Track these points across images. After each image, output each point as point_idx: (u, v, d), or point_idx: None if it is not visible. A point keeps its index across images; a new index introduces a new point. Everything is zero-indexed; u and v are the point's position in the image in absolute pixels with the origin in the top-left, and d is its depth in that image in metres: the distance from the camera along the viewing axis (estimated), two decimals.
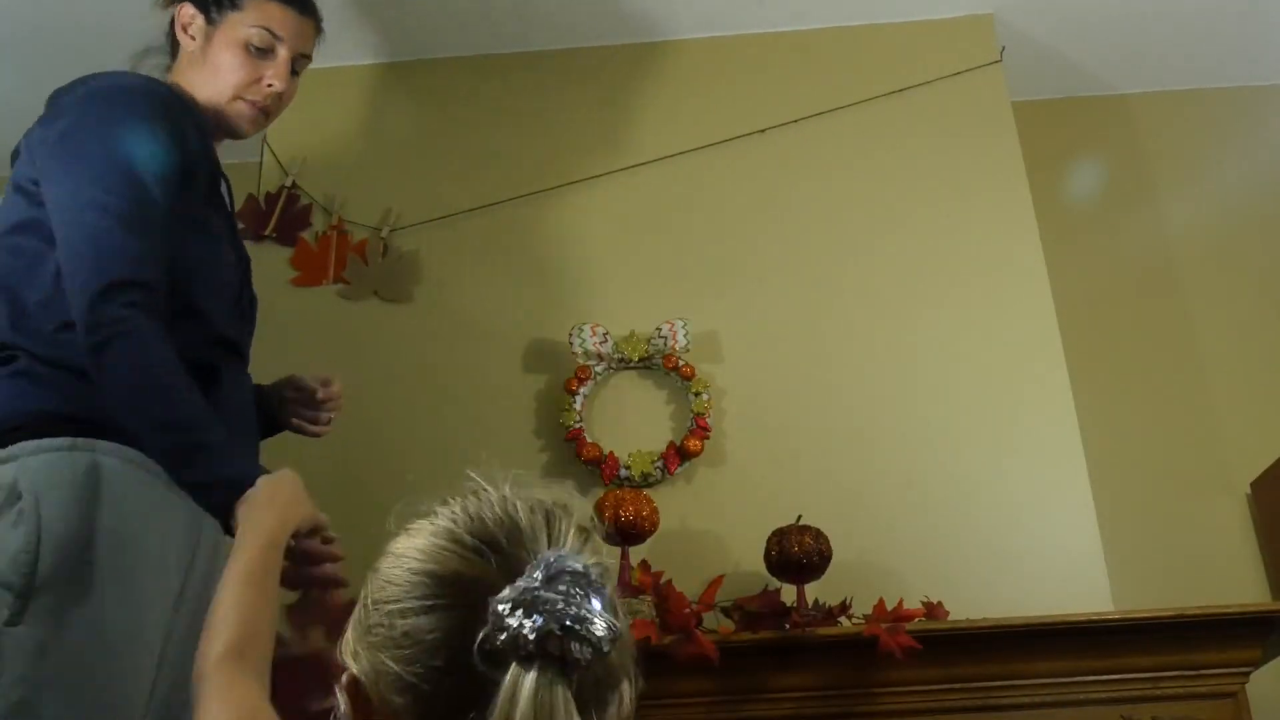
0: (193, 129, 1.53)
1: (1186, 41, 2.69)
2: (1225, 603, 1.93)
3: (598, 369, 2.30)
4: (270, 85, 1.60)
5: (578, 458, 2.23)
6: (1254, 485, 2.48)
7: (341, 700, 0.84)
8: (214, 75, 1.59)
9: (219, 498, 1.34)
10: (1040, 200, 2.45)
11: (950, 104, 2.49)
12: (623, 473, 2.21)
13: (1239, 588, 2.40)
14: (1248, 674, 1.87)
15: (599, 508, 2.02)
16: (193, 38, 1.59)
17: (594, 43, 2.60)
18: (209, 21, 1.59)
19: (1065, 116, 2.81)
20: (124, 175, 1.41)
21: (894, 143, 2.48)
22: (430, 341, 2.39)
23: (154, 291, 1.38)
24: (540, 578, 0.75)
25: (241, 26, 1.58)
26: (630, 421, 2.29)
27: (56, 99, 1.53)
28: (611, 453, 2.23)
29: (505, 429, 2.30)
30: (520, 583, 0.75)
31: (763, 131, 2.47)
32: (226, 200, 1.64)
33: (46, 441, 1.32)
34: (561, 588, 0.75)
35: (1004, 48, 2.54)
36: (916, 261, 2.38)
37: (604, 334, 2.29)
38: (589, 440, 2.24)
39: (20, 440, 1.32)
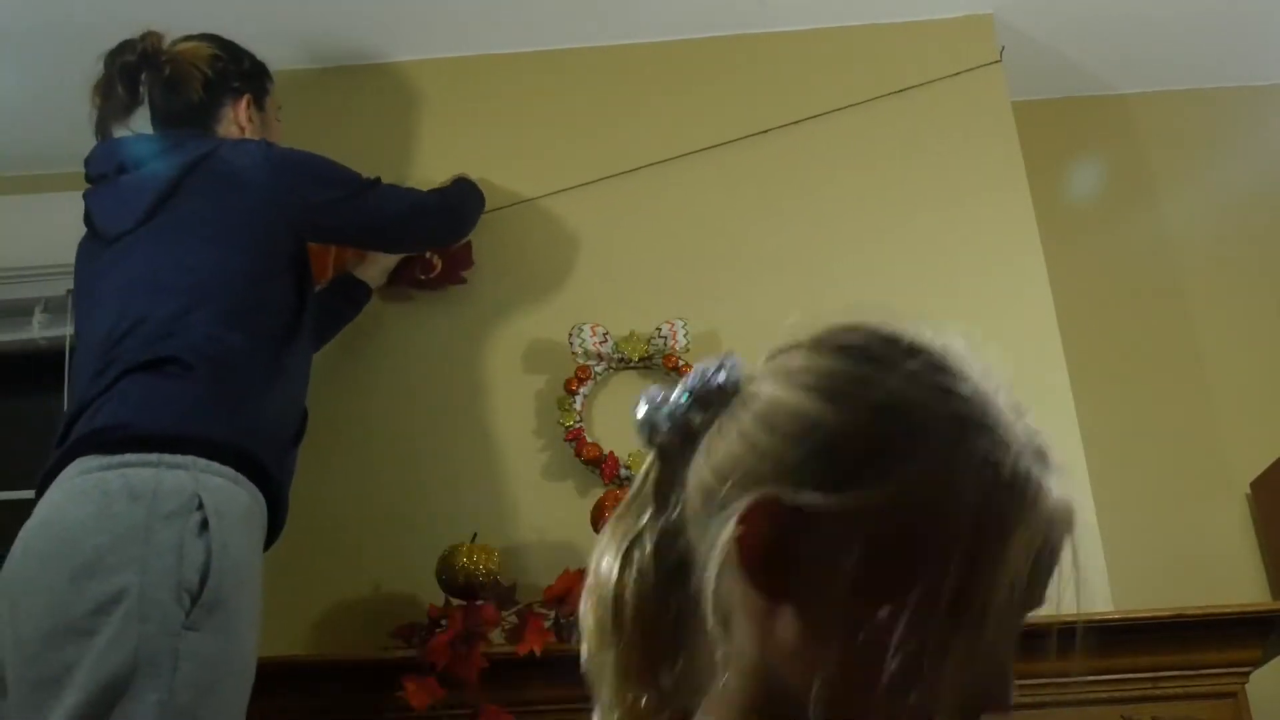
0: None
1: (1186, 41, 2.69)
2: (1225, 603, 1.93)
3: (598, 369, 2.30)
4: None
5: (578, 458, 2.23)
6: (1254, 485, 2.48)
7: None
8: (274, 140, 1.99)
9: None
10: (1040, 200, 2.45)
11: (950, 104, 2.49)
12: (623, 473, 2.21)
13: (1239, 588, 2.40)
14: (1248, 674, 1.87)
15: (599, 508, 2.02)
16: (250, 120, 1.95)
17: (594, 43, 2.60)
18: (259, 108, 1.98)
19: (1065, 116, 2.81)
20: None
21: (893, 143, 2.48)
22: (430, 341, 2.39)
23: None
24: None
25: (273, 105, 2.04)
26: (630, 421, 2.28)
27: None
28: (611, 453, 2.23)
29: (505, 429, 2.30)
30: None
31: (764, 133, 2.47)
32: None
33: (218, 467, 1.50)
34: None
35: (1004, 48, 2.54)
36: (916, 261, 2.38)
37: (604, 334, 2.29)
38: (589, 440, 2.24)
39: (192, 453, 1.48)
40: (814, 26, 2.59)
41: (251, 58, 2.01)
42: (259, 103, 1.98)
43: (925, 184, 2.44)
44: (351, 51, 2.61)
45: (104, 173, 1.82)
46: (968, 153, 2.46)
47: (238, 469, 1.53)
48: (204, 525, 1.44)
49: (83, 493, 1.44)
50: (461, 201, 2.24)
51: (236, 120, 1.93)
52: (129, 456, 1.45)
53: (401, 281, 2.37)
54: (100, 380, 1.57)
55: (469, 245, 2.42)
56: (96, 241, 1.79)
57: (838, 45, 2.57)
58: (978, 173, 2.44)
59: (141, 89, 1.91)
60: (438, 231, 2.20)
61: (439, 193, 2.20)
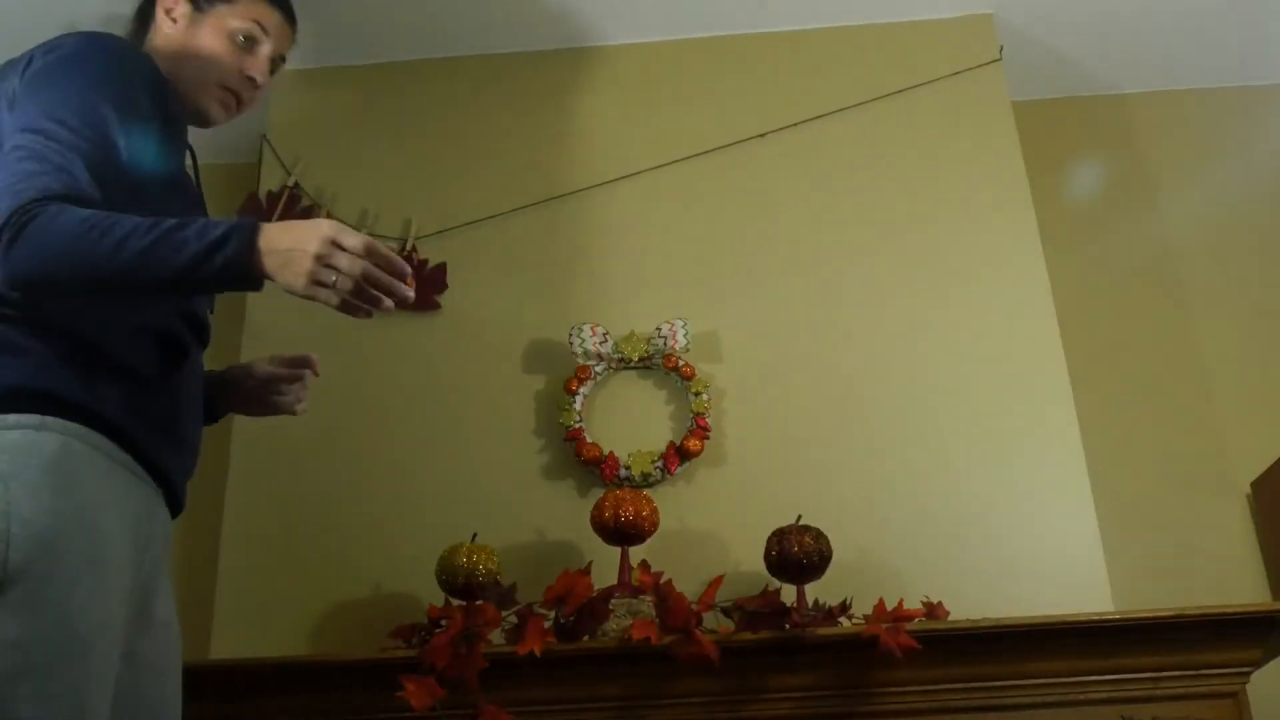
0: (170, 100, 1.53)
1: (1186, 41, 2.69)
2: (1225, 603, 1.93)
3: (598, 369, 2.30)
4: (251, 78, 1.61)
5: (578, 458, 2.23)
6: (1254, 485, 2.48)
7: None
8: (195, 59, 1.58)
9: (229, 262, 1.26)
10: (1040, 200, 2.45)
11: (950, 104, 2.49)
12: (623, 473, 2.21)
13: (1239, 588, 2.40)
14: (1248, 674, 1.87)
15: (599, 508, 2.02)
16: (174, 20, 1.59)
17: (593, 43, 2.61)
18: (196, 8, 1.60)
19: (1065, 116, 2.81)
20: (85, 110, 1.37)
21: (894, 143, 2.48)
22: (430, 342, 2.39)
23: (93, 204, 1.30)
24: None
25: (231, 18, 1.60)
26: (630, 421, 2.29)
27: (31, 54, 1.48)
28: (611, 453, 2.23)
29: (505, 429, 2.30)
30: None
31: (762, 136, 2.47)
32: (193, 176, 1.63)
33: (13, 418, 1.27)
34: None
35: (1003, 47, 2.54)
36: (916, 261, 2.38)
37: (604, 334, 2.29)
38: (589, 440, 2.24)
39: None
40: (814, 26, 2.59)
41: None
42: (198, 4, 1.60)
43: (925, 183, 2.44)
44: (349, 52, 2.61)
45: None
46: (968, 152, 2.46)
47: (46, 411, 1.28)
48: None
49: None
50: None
51: (162, 18, 1.61)
52: None
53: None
54: None
55: (443, 267, 2.41)
56: None
57: (837, 45, 2.57)
58: (978, 172, 2.44)
59: None
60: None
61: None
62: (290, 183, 2.51)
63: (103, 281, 1.28)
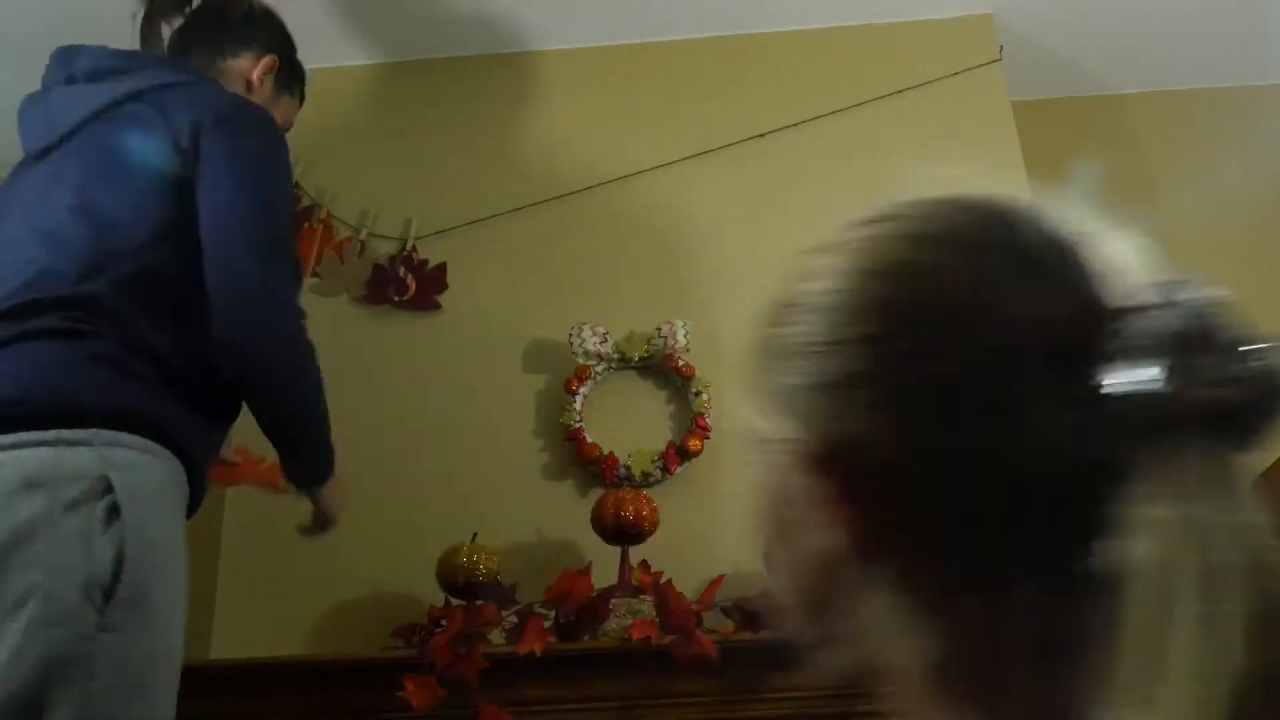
0: None
1: (1186, 41, 2.69)
2: None
3: (598, 369, 2.30)
4: None
5: (578, 458, 2.23)
6: (1254, 485, 2.48)
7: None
8: None
9: (315, 477, 1.68)
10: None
11: (950, 104, 2.49)
12: (623, 473, 2.21)
13: None
14: None
15: (599, 507, 2.02)
16: (261, 84, 1.73)
17: (593, 44, 2.61)
18: (277, 89, 1.77)
19: (1065, 116, 2.82)
20: (285, 214, 1.59)
21: (893, 142, 2.48)
22: (430, 341, 2.39)
23: None
24: None
25: (291, 112, 1.82)
26: (630, 421, 2.29)
27: (229, 111, 1.53)
28: (611, 453, 2.23)
29: (505, 429, 2.30)
30: None
31: (762, 136, 2.47)
32: None
33: (126, 437, 1.30)
34: None
35: (1002, 47, 2.54)
36: None
37: (604, 334, 2.29)
38: (589, 440, 2.24)
39: (94, 426, 1.28)
40: (813, 26, 2.59)
41: (301, 63, 1.84)
42: (282, 80, 1.76)
43: (925, 184, 2.44)
44: (350, 52, 2.61)
45: (53, 80, 1.58)
46: (968, 153, 2.46)
47: (147, 435, 1.32)
48: (113, 510, 1.24)
49: None
50: (317, 396, 1.65)
51: (250, 71, 1.70)
52: (22, 436, 1.25)
53: (376, 300, 2.38)
54: None
55: (443, 267, 2.41)
56: (25, 160, 1.55)
57: (837, 45, 2.58)
58: (978, 173, 2.44)
59: None
60: (273, 364, 1.54)
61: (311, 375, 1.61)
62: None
63: (295, 419, 1.62)
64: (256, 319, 1.44)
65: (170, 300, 1.43)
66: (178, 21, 1.72)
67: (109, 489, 1.25)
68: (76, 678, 1.18)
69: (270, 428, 1.56)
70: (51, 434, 1.26)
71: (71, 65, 1.58)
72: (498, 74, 2.61)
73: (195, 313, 1.43)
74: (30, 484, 1.23)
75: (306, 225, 2.48)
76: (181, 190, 1.46)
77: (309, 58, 2.55)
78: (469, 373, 2.36)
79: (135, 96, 1.50)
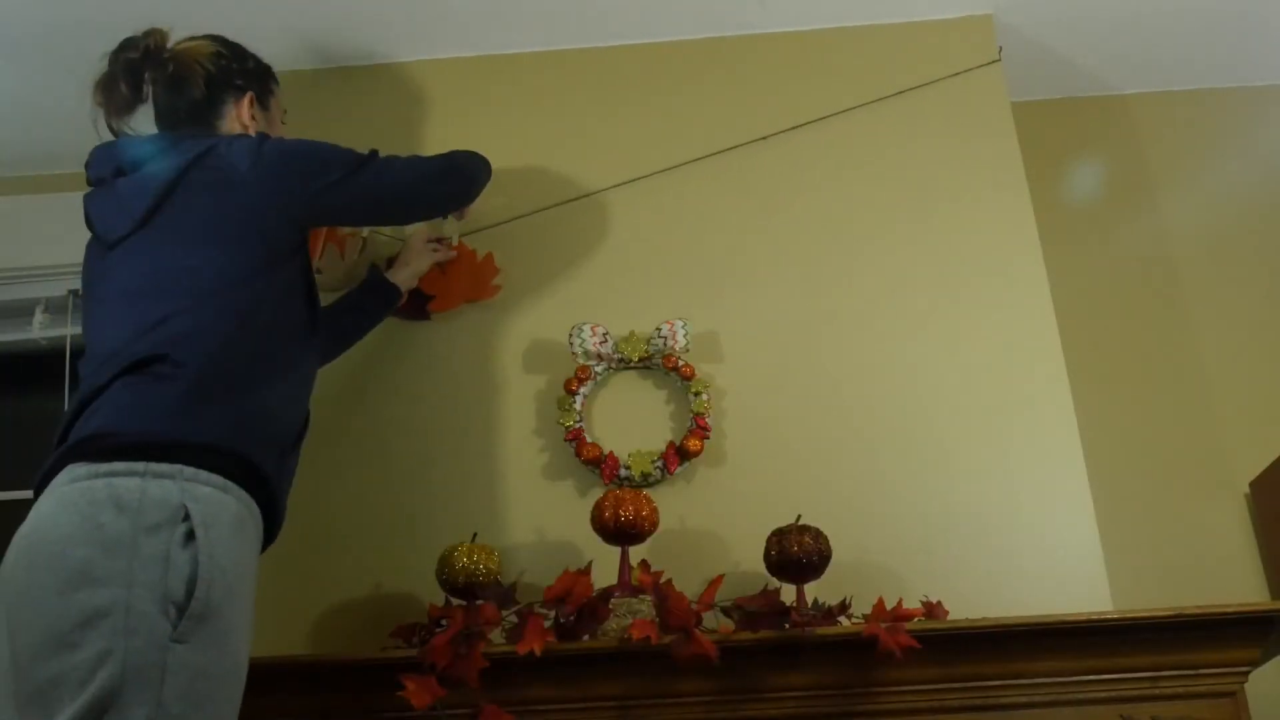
0: None
1: (1186, 41, 2.69)
2: (1224, 602, 1.93)
3: (598, 369, 2.30)
4: None
5: (578, 458, 2.23)
6: (1254, 485, 2.48)
7: None
8: None
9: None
10: (1040, 200, 2.45)
11: (949, 104, 2.49)
12: (623, 473, 2.21)
13: (1238, 588, 2.40)
14: (1246, 673, 1.87)
15: (599, 507, 2.02)
16: (255, 120, 1.93)
17: (592, 44, 2.61)
18: (263, 108, 1.97)
19: (1065, 116, 2.82)
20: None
21: (893, 142, 2.48)
22: (429, 342, 2.39)
23: None
24: None
25: (277, 108, 2.03)
26: (630, 421, 2.29)
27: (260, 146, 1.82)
28: (611, 453, 2.23)
29: (505, 429, 2.30)
30: None
31: (763, 139, 2.47)
32: None
33: (206, 475, 1.48)
34: None
35: (1002, 48, 2.54)
36: (916, 262, 2.38)
37: (604, 334, 2.29)
38: (589, 440, 2.24)
39: (180, 462, 1.46)
40: (813, 27, 2.59)
41: (255, 58, 2.00)
42: (262, 102, 1.97)
43: (925, 184, 2.44)
44: (351, 52, 2.61)
45: (102, 176, 1.81)
46: (967, 153, 2.46)
47: (228, 475, 1.51)
48: (190, 536, 1.42)
49: (71, 502, 1.43)
50: (464, 164, 2.14)
51: (239, 119, 1.92)
52: (116, 465, 1.44)
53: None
54: (95, 381, 1.56)
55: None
56: (98, 245, 1.78)
57: (836, 46, 2.57)
58: (977, 173, 2.44)
59: (145, 87, 1.89)
60: (443, 197, 2.13)
61: (441, 157, 2.11)
62: None
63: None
64: (423, 203, 2.09)
65: (256, 345, 1.64)
66: (128, 118, 1.90)
67: (187, 517, 1.42)
68: (151, 682, 1.33)
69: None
70: (140, 465, 1.44)
71: (118, 158, 1.79)
72: (497, 76, 2.61)
73: (282, 356, 1.67)
74: (120, 507, 1.41)
75: None
76: (259, 234, 1.72)
77: (317, 58, 2.57)
78: (469, 373, 2.36)
79: (193, 166, 1.73)
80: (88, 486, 1.43)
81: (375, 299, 2.26)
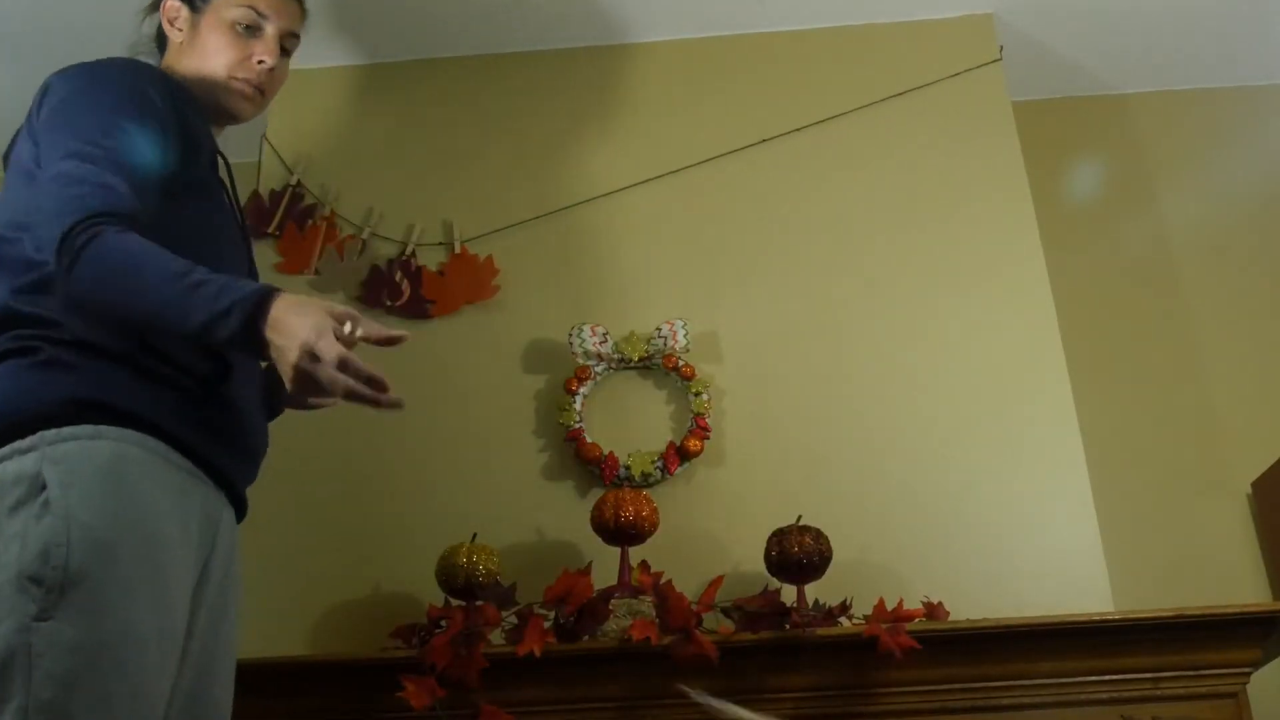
0: (188, 105, 1.54)
1: (1186, 41, 2.69)
2: (1225, 603, 1.94)
3: (598, 369, 2.30)
4: (261, 61, 1.61)
5: (578, 458, 2.23)
6: (1254, 485, 2.48)
7: None
8: (204, 58, 1.59)
9: (232, 335, 1.27)
10: (1040, 200, 2.45)
11: (950, 104, 2.49)
12: (623, 473, 2.21)
13: (1239, 588, 2.40)
14: (1248, 674, 1.87)
15: (599, 508, 2.02)
16: (179, 29, 1.61)
17: (591, 44, 2.60)
18: (193, 9, 1.61)
19: (1065, 116, 2.82)
20: (108, 128, 1.40)
21: (893, 143, 2.48)
22: (429, 341, 2.39)
23: (135, 221, 1.34)
24: None
25: (227, 9, 1.60)
26: (630, 421, 2.29)
27: (48, 82, 1.51)
28: (611, 453, 2.23)
29: (505, 429, 2.30)
30: None
31: (763, 142, 2.47)
32: (228, 182, 1.63)
33: (68, 430, 1.31)
34: None
35: (1003, 47, 2.54)
36: (916, 261, 2.38)
37: (604, 334, 2.29)
38: (589, 440, 2.24)
39: (39, 430, 1.30)
40: (813, 27, 2.59)
41: None
42: (194, 4, 1.62)
43: (925, 184, 2.44)
44: (352, 52, 2.61)
45: None
46: (968, 153, 2.46)
47: (98, 421, 1.32)
48: (48, 504, 1.26)
49: None
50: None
51: (167, 29, 1.64)
52: None
53: (370, 303, 2.36)
54: None
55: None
56: None
57: (837, 46, 2.57)
58: (978, 173, 2.44)
59: None
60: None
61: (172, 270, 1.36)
62: (293, 181, 2.51)
63: (138, 318, 1.33)
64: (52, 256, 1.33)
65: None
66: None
67: (45, 485, 1.27)
68: (19, 668, 1.20)
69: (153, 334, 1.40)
70: (6, 449, 1.30)
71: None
72: (498, 76, 2.60)
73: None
74: None
75: (310, 222, 2.48)
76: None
77: (322, 57, 2.57)
78: (469, 373, 2.36)
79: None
80: None
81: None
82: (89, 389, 1.34)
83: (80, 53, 1.95)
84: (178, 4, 1.62)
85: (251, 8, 1.61)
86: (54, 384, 1.34)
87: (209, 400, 1.45)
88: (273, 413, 1.68)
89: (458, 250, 2.42)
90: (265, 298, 1.28)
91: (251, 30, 1.61)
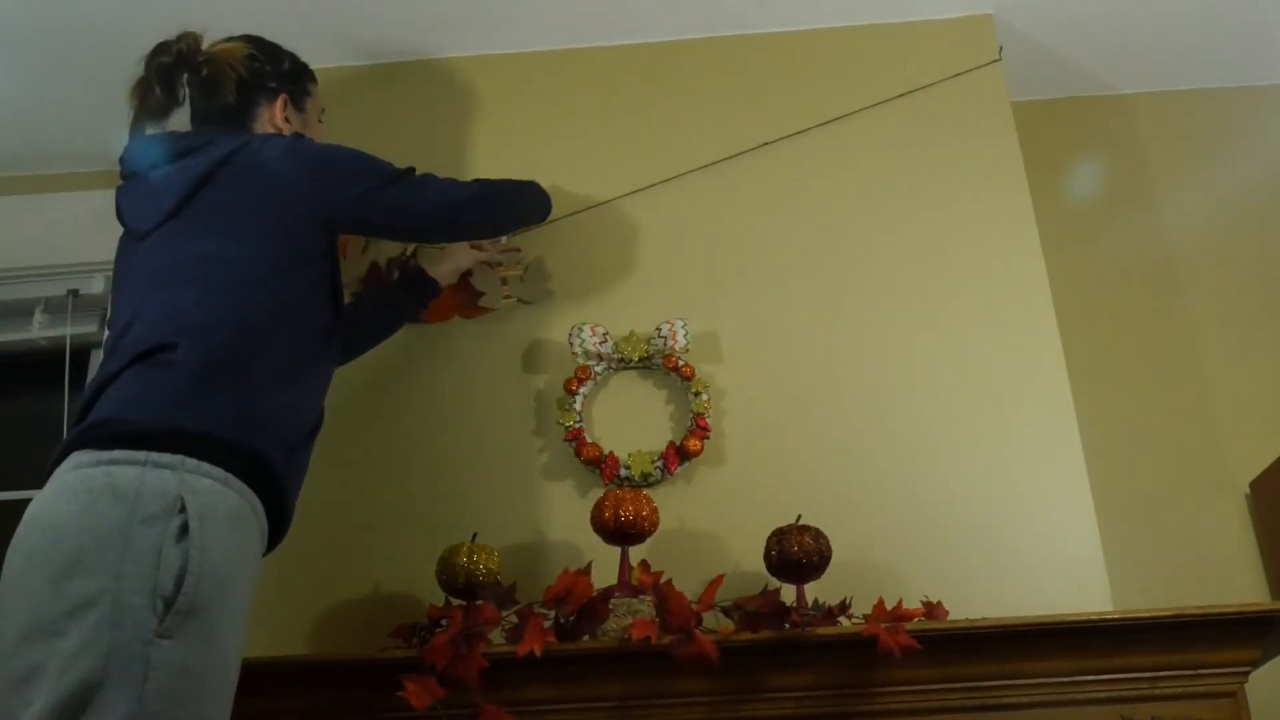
0: None
1: (1186, 41, 2.69)
2: (1224, 602, 1.93)
3: (598, 369, 2.30)
4: None
5: (578, 458, 2.23)
6: (1254, 485, 2.48)
7: None
8: None
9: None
10: (1040, 200, 2.45)
11: (950, 104, 2.49)
12: (623, 473, 2.21)
13: (1238, 588, 2.40)
14: (1247, 673, 1.87)
15: (599, 508, 2.02)
16: (288, 120, 1.95)
17: (591, 44, 2.60)
18: (298, 109, 1.98)
19: (1065, 116, 2.82)
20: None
21: (893, 143, 2.48)
22: (429, 342, 2.39)
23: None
24: None
25: (314, 110, 2.04)
26: (630, 421, 2.29)
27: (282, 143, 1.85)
28: (611, 453, 2.23)
29: (505, 429, 2.30)
30: None
31: (764, 145, 2.47)
32: None
33: (208, 467, 1.46)
34: None
35: (1002, 48, 2.54)
36: (916, 261, 2.38)
37: (604, 334, 2.29)
38: (589, 440, 2.24)
39: (182, 452, 1.45)
40: (813, 27, 2.59)
41: (293, 59, 2.01)
42: (297, 103, 1.98)
43: (924, 184, 2.44)
44: (353, 52, 2.61)
45: (136, 169, 1.81)
46: (967, 153, 2.46)
47: (229, 468, 1.48)
48: (185, 529, 1.39)
49: (71, 490, 1.42)
50: (503, 194, 2.17)
51: (273, 121, 1.93)
52: (117, 454, 1.43)
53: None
54: (109, 369, 1.55)
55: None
56: (128, 238, 1.78)
57: (837, 46, 2.57)
58: (978, 173, 2.44)
59: (181, 90, 1.90)
60: (474, 224, 2.13)
61: (479, 182, 2.13)
62: None
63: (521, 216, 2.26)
64: (452, 226, 2.07)
65: (272, 339, 1.62)
66: (161, 123, 1.89)
67: (183, 509, 1.40)
68: (134, 677, 1.31)
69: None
70: (141, 454, 1.43)
71: (152, 152, 1.80)
72: (498, 76, 2.60)
73: (299, 353, 1.67)
74: (117, 497, 1.39)
75: None
76: (287, 231, 1.72)
77: (327, 57, 2.57)
78: (469, 373, 2.36)
79: (225, 161, 1.74)
80: (87, 474, 1.42)
81: (413, 294, 2.25)
82: (235, 432, 1.51)
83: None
84: (288, 101, 1.96)
85: (322, 108, 2.09)
86: (206, 414, 1.50)
87: (300, 455, 1.68)
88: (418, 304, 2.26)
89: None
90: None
91: (322, 120, 2.08)
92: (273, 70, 1.96)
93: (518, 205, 2.22)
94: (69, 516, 1.39)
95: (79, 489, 1.41)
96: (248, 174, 1.74)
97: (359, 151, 1.90)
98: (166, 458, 1.43)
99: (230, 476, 1.48)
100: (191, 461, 1.44)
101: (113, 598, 1.33)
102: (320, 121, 2.06)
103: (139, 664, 1.31)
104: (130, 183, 1.82)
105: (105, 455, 1.43)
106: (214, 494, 1.45)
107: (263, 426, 1.56)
